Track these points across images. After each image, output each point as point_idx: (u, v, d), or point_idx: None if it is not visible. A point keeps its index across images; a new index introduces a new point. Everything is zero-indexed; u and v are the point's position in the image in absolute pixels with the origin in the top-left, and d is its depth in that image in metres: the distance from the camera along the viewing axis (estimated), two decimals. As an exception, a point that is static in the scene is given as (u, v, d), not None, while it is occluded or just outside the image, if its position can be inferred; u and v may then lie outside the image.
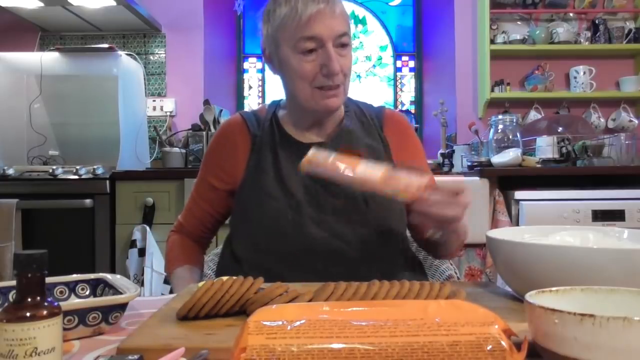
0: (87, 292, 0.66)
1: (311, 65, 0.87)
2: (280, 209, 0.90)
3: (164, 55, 2.68)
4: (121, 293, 0.59)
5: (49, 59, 2.32)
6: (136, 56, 2.57)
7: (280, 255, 0.89)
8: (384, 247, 0.92)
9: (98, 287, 0.66)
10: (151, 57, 2.68)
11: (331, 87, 0.88)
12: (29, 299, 0.40)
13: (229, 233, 1.00)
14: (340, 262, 0.87)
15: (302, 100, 0.91)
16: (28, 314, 0.39)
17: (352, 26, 0.96)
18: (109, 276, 0.66)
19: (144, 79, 2.57)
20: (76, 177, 2.04)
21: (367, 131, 0.99)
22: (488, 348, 0.39)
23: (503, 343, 0.39)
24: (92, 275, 0.67)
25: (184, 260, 1.02)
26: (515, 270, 0.61)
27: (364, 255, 0.89)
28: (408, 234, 1.02)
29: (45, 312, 0.40)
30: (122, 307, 0.57)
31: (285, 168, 0.93)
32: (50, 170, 2.05)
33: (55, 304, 0.41)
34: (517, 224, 1.96)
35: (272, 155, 0.95)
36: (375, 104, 1.07)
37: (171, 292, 1.05)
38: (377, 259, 0.90)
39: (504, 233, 0.69)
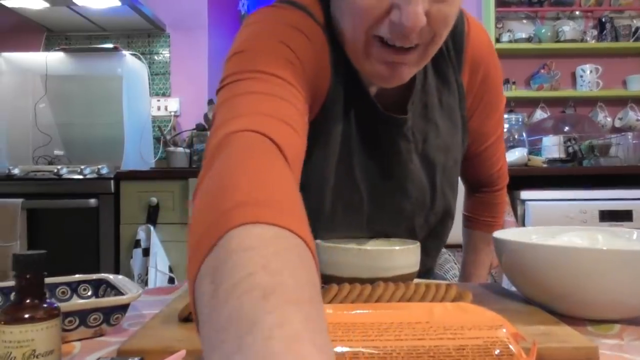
0: (89, 293, 0.65)
1: (376, 0, 0.52)
2: (346, 204, 0.66)
3: (168, 55, 2.68)
4: (123, 294, 0.58)
5: (54, 59, 2.33)
6: (140, 56, 2.57)
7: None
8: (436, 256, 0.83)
9: (100, 287, 0.66)
10: (155, 57, 2.68)
11: (398, 50, 0.54)
12: (28, 300, 0.40)
13: None
14: None
15: (350, 50, 0.59)
16: (26, 316, 0.39)
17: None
18: (111, 277, 0.65)
19: (149, 78, 2.57)
20: (81, 177, 2.05)
21: (442, 79, 0.68)
22: (496, 352, 0.38)
23: (511, 347, 0.38)
24: (94, 276, 0.66)
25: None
26: (522, 271, 0.60)
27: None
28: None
29: (43, 314, 0.39)
30: (124, 308, 0.56)
31: (355, 145, 0.65)
32: (55, 170, 2.05)
33: (55, 305, 0.41)
34: (523, 224, 1.94)
35: (343, 115, 0.64)
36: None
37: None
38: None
39: (511, 234, 0.68)
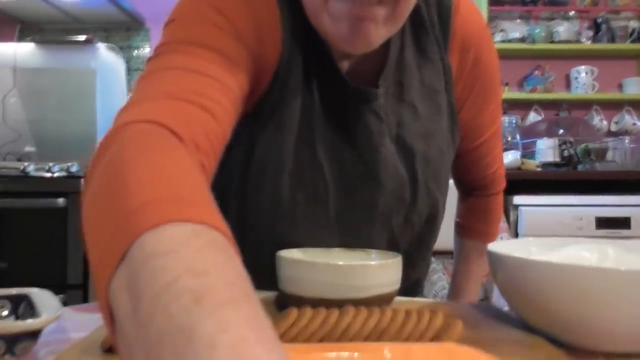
0: (6, 312, 0.54)
1: None
2: (300, 192, 0.57)
3: (148, 50, 2.58)
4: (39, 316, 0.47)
5: (24, 51, 2.21)
6: (117, 49, 2.46)
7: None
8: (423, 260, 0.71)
9: (21, 305, 0.55)
10: (134, 52, 2.58)
11: (361, 3, 0.47)
12: None
13: None
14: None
15: (310, 9, 0.52)
16: None
17: None
18: (33, 292, 0.55)
19: (126, 73, 2.46)
20: (49, 175, 1.93)
21: (424, 56, 0.60)
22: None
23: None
24: (13, 291, 0.56)
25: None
26: (523, 293, 0.50)
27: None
28: None
29: None
30: (34, 335, 0.46)
31: (318, 121, 0.57)
32: (22, 167, 1.94)
33: None
34: (516, 231, 1.86)
35: (303, 86, 0.56)
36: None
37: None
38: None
39: (507, 247, 0.58)
